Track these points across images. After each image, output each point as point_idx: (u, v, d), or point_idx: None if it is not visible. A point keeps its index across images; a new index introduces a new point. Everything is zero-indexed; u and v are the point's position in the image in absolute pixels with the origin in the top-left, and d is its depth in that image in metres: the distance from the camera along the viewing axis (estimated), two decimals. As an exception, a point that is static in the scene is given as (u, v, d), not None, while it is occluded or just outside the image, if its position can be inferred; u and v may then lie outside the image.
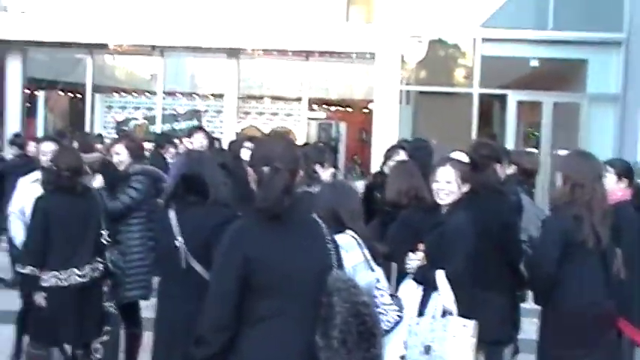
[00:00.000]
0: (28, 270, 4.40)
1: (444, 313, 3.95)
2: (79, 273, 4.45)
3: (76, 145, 7.74)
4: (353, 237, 3.68)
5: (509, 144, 13.79)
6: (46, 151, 5.15)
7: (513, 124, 14.73)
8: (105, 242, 4.66)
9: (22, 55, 15.78)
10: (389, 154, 6.43)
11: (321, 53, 15.35)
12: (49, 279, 4.42)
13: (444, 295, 3.97)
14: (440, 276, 4.02)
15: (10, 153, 8.24)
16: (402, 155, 6.18)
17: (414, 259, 4.23)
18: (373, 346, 2.71)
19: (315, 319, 2.63)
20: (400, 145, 6.83)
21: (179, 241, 3.71)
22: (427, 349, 3.86)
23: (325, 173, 5.21)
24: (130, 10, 15.36)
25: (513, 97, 14.71)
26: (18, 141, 8.42)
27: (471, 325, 3.87)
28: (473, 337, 3.85)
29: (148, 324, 5.05)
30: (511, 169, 5.62)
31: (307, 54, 15.31)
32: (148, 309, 5.18)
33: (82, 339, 4.59)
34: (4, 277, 7.68)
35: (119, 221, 5.00)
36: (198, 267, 3.68)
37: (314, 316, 2.64)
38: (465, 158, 4.37)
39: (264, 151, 2.80)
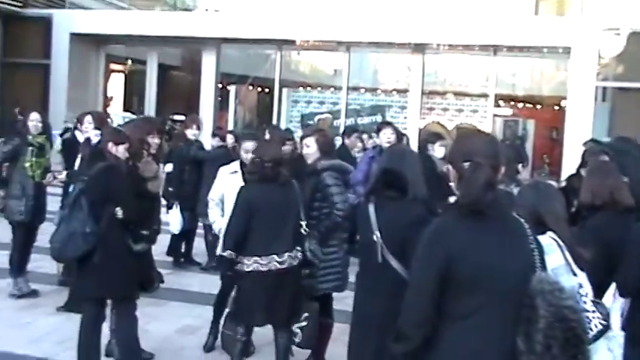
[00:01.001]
0: (227, 253, 4.57)
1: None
2: (279, 260, 4.57)
3: (267, 137, 7.96)
4: (553, 239, 3.44)
5: None
6: (249, 148, 5.33)
7: None
8: (304, 232, 4.74)
9: (216, 52, 16.62)
10: (588, 156, 5.97)
11: (510, 48, 14.84)
12: (251, 264, 4.57)
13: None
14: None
15: (210, 144, 8.71)
16: (603, 156, 5.72)
17: None
18: (581, 353, 2.52)
19: (517, 320, 2.52)
20: (602, 149, 6.32)
21: (376, 236, 3.68)
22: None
23: (524, 172, 4.96)
24: (317, 6, 15.72)
25: None
26: (219, 133, 8.88)
27: (615, 336, 3.57)
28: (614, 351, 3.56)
29: (338, 315, 5.16)
30: None
31: (495, 48, 14.85)
32: (339, 301, 5.25)
33: (275, 321, 4.72)
34: (199, 262, 8.06)
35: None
36: (394, 262, 3.63)
37: (515, 317, 2.52)
38: None
39: (465, 147, 2.71)
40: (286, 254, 4.62)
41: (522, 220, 2.74)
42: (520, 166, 4.86)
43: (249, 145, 5.37)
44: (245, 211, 4.60)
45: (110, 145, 4.66)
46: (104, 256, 4.40)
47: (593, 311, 3.53)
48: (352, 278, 4.20)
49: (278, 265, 4.59)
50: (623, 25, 14.14)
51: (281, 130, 9.25)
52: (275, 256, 4.59)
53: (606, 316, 3.51)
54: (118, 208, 4.47)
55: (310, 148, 5.31)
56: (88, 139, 6.36)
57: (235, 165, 5.50)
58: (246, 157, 5.32)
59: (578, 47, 13.59)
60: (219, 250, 5.03)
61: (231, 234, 4.68)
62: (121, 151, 4.70)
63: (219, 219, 5.44)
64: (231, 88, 17.76)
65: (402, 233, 3.56)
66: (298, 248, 4.70)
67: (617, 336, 3.58)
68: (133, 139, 4.89)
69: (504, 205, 2.77)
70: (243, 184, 5.12)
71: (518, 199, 3.79)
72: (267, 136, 7.05)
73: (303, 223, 4.77)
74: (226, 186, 5.39)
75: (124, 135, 4.83)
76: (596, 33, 13.76)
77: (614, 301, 3.74)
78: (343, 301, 5.29)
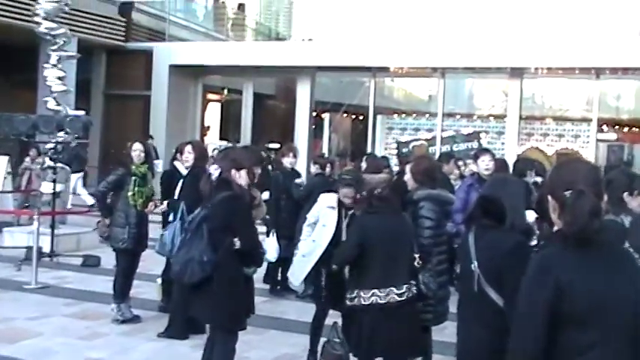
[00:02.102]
0: (334, 267, 4.69)
1: None
2: (397, 292, 4.52)
3: (364, 165, 7.92)
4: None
5: None
6: (348, 195, 5.37)
7: None
8: (417, 265, 4.70)
9: (310, 80, 16.82)
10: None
11: (613, 70, 14.33)
12: (369, 297, 4.53)
13: None
14: None
15: (310, 170, 8.88)
16: None
17: None
18: None
19: (635, 355, 2.42)
20: None
21: (474, 265, 3.59)
22: None
23: (635, 201, 4.68)
24: (410, 32, 15.69)
25: None
26: (319, 161, 8.96)
27: None
28: None
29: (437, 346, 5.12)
30: None
31: (597, 71, 14.37)
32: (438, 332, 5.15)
33: (395, 356, 4.65)
34: (296, 289, 8.10)
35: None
36: (491, 292, 3.50)
37: (634, 352, 2.42)
38: None
39: (566, 175, 2.63)
40: (404, 286, 4.58)
41: (631, 251, 2.68)
42: (627, 194, 4.58)
43: (347, 191, 5.34)
44: (361, 238, 4.59)
45: (233, 172, 4.68)
46: (220, 283, 4.46)
47: None
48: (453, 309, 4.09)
49: (397, 298, 4.54)
50: None
51: (377, 158, 9.22)
52: (393, 288, 4.55)
53: None
54: (236, 239, 4.51)
55: (407, 176, 5.28)
56: (209, 175, 6.48)
57: (334, 200, 5.46)
58: (344, 200, 5.32)
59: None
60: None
61: (342, 254, 4.66)
62: (243, 176, 4.73)
63: (305, 239, 5.49)
64: (326, 116, 17.92)
65: (499, 262, 3.47)
66: (413, 282, 4.66)
67: None
68: (249, 166, 4.94)
69: (611, 235, 2.67)
70: (334, 219, 5.16)
71: (633, 229, 3.61)
72: (364, 165, 7.02)
73: (417, 256, 4.73)
74: (322, 215, 5.40)
75: (243, 160, 4.87)
76: None
77: None
78: (442, 332, 5.21)
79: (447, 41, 15.11)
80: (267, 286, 8.11)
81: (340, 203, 5.36)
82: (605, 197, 2.81)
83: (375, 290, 4.52)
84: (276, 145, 15.32)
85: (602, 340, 2.42)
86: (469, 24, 15.13)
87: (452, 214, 5.94)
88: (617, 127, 15.72)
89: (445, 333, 5.14)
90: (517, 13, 14.81)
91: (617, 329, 2.43)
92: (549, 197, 2.65)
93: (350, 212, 5.26)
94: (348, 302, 4.65)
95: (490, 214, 3.68)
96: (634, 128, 15.85)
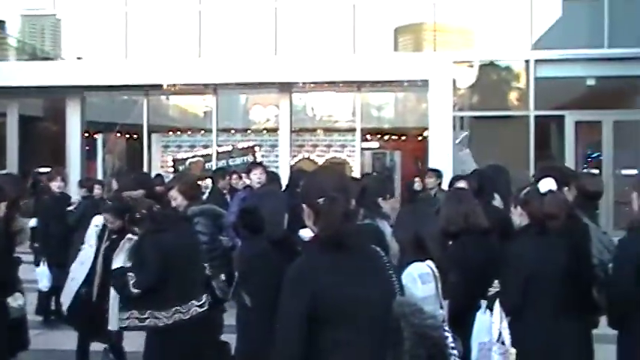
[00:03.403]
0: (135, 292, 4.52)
1: (498, 341, 3.90)
2: (197, 304, 4.51)
3: (114, 185, 7.77)
4: (431, 268, 3.60)
5: (569, 166, 13.51)
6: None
7: (572, 145, 14.46)
8: (208, 273, 4.78)
9: (80, 100, 16.24)
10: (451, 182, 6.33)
11: (372, 83, 15.40)
12: (170, 317, 4.46)
13: (495, 322, 3.93)
14: (496, 303, 3.98)
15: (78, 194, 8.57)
16: (461, 184, 6.06)
17: (495, 287, 4.15)
18: None
19: (385, 347, 2.63)
20: (459, 175, 6.67)
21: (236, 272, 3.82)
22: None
23: (387, 205, 5.14)
24: (182, 50, 15.71)
25: (571, 118, 14.46)
26: (86, 184, 8.78)
27: (511, 353, 3.81)
28: None
29: None
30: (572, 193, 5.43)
31: (358, 85, 15.37)
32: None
33: None
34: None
35: None
36: (243, 294, 3.68)
37: (384, 344, 2.63)
38: (553, 185, 4.22)
39: (317, 184, 2.82)
40: (203, 297, 4.58)
41: (378, 250, 2.87)
42: (381, 199, 5.02)
43: (107, 217, 5.19)
44: (160, 262, 4.46)
45: None
46: None
47: (452, 348, 3.73)
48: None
49: (198, 310, 4.50)
50: (475, 58, 15.06)
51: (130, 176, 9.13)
52: (194, 301, 4.51)
53: (462, 353, 3.73)
54: None
55: (177, 200, 5.32)
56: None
57: (100, 220, 5.37)
58: (110, 226, 5.19)
59: (435, 80, 14.30)
60: None
61: (144, 282, 4.52)
62: (2, 209, 4.50)
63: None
64: (99, 137, 17.34)
65: (244, 268, 3.68)
66: (207, 291, 4.71)
67: (512, 353, 3.80)
68: (9, 197, 4.69)
69: (362, 237, 2.90)
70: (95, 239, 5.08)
71: (397, 224, 3.94)
72: (114, 184, 6.93)
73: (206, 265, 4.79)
74: (90, 235, 5.32)
75: (2, 192, 4.63)
76: (450, 65, 14.54)
77: (502, 321, 3.93)
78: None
79: (219, 58, 15.32)
80: (41, 318, 7.76)
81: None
82: (354, 202, 3.03)
83: (178, 307, 4.45)
84: (47, 170, 14.56)
85: (354, 338, 2.62)
86: (240, 40, 15.45)
87: (225, 227, 6.11)
88: (379, 136, 16.85)
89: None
90: (284, 30, 15.40)
91: (370, 326, 2.63)
92: (304, 205, 2.85)
93: (113, 237, 5.15)
94: (138, 323, 4.50)
95: (247, 225, 3.90)
96: (394, 136, 17.09)
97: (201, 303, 4.55)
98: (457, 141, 6.22)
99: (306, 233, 4.25)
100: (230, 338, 4.05)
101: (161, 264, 4.44)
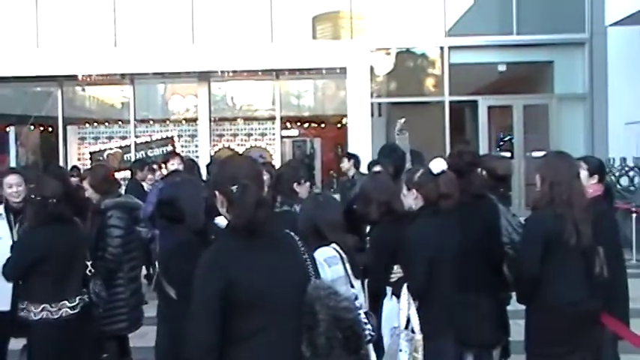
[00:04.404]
0: None
1: (406, 326, 3.92)
2: (70, 305, 4.41)
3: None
4: (336, 250, 3.69)
5: (483, 149, 13.94)
6: (12, 182, 5.06)
7: (485, 129, 14.90)
8: (89, 273, 4.63)
9: (-12, 92, 15.71)
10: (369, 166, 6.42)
11: (291, 71, 15.44)
12: (38, 312, 4.38)
13: (402, 308, 3.92)
14: (403, 289, 3.96)
15: None
16: (377, 168, 6.14)
17: (397, 273, 4.19)
18: (361, 347, 2.75)
19: (300, 331, 2.65)
20: (375, 160, 6.76)
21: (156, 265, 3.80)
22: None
23: (302, 190, 5.20)
24: (97, 39, 15.35)
25: (484, 103, 14.90)
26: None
27: (417, 340, 3.82)
28: (416, 353, 3.80)
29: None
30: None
31: (277, 73, 15.39)
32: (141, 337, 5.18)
33: None
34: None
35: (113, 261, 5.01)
36: (167, 287, 3.66)
37: (299, 328, 2.65)
38: (444, 165, 4.33)
39: (230, 171, 2.81)
40: (77, 298, 4.49)
41: (293, 235, 2.91)
42: (295, 184, 5.08)
43: (10, 178, 5.11)
44: (28, 257, 4.43)
45: None
46: None
47: (365, 323, 3.82)
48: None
49: (69, 311, 4.44)
50: (392, 45, 15.31)
51: (60, 169, 8.95)
52: (66, 302, 4.44)
53: (375, 328, 3.82)
54: None
55: (89, 191, 5.25)
56: None
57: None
58: (10, 192, 5.08)
59: (353, 67, 14.45)
60: None
61: (7, 274, 4.45)
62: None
63: None
64: (11, 129, 16.79)
65: (166, 259, 3.67)
66: (84, 290, 4.59)
67: (418, 339, 3.84)
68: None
69: (275, 224, 2.92)
70: (6, 228, 4.96)
71: (300, 213, 4.01)
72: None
73: (89, 264, 4.68)
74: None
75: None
76: (367, 53, 14.74)
77: (410, 307, 3.91)
78: (144, 338, 5.23)
79: (135, 47, 15.05)
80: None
81: (8, 209, 5.14)
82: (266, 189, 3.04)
83: (46, 305, 4.41)
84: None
85: (268, 324, 2.63)
86: (157, 29, 15.21)
87: (141, 219, 6.05)
88: (298, 123, 16.93)
89: (148, 338, 5.17)
90: (201, 19, 15.25)
91: (284, 311, 2.66)
92: (216, 193, 2.82)
93: (19, 217, 5.02)
94: (19, 312, 4.47)
95: (165, 215, 3.87)
96: (313, 124, 17.20)
97: (73, 305, 4.45)
98: (397, 128, 6.31)
99: (222, 221, 4.28)
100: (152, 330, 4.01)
101: (27, 259, 4.41)
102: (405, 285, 3.96)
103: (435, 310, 3.96)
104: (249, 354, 2.64)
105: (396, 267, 4.13)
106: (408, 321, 3.87)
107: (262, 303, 2.65)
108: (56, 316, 4.40)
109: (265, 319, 2.65)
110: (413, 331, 3.83)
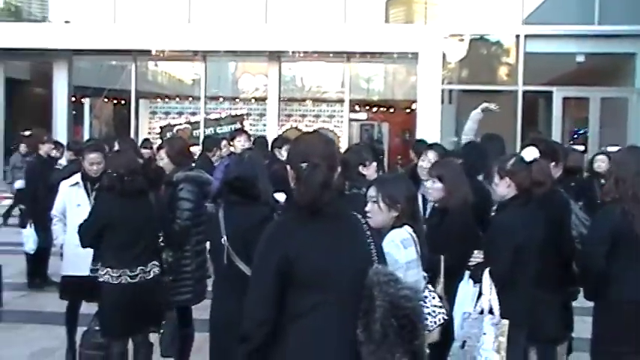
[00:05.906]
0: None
1: (483, 311, 3.91)
2: (130, 273, 4.54)
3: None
4: (410, 233, 3.64)
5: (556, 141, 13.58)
6: (93, 160, 5.23)
7: (559, 121, 14.52)
8: (160, 245, 4.76)
9: (68, 64, 16.11)
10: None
11: (362, 54, 15.36)
12: (103, 275, 4.55)
13: (485, 293, 3.92)
14: (485, 274, 3.97)
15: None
16: (430, 156, 5.95)
17: (476, 257, 4.18)
18: (416, 338, 2.67)
19: (357, 314, 2.60)
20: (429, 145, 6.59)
21: (224, 239, 3.77)
22: (463, 344, 3.90)
23: (370, 171, 5.14)
24: (172, 16, 15.57)
25: (559, 94, 14.50)
26: (74, 147, 8.64)
27: (503, 324, 3.83)
28: (502, 337, 3.80)
29: (201, 325, 5.08)
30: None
31: (348, 55, 15.32)
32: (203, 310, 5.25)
33: (135, 333, 4.70)
34: (56, 281, 7.81)
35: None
36: (240, 264, 3.68)
37: (355, 311, 2.60)
38: (537, 153, 4.26)
39: (302, 148, 2.79)
40: (139, 268, 4.61)
41: (360, 217, 2.88)
42: (361, 167, 5.03)
43: (93, 156, 5.28)
44: (97, 223, 4.56)
45: None
46: None
47: (440, 306, 3.79)
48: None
49: (130, 279, 4.57)
50: (466, 32, 15.03)
51: (132, 141, 9.10)
52: (127, 270, 4.58)
53: (449, 311, 3.76)
54: None
55: (164, 160, 5.33)
56: None
57: (76, 177, 5.40)
58: (90, 168, 5.25)
59: (425, 53, 14.28)
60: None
61: (82, 236, 4.63)
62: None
63: (61, 234, 5.37)
64: (86, 101, 17.24)
65: (244, 235, 3.65)
66: (155, 263, 4.70)
67: (505, 324, 3.84)
68: None
69: (342, 204, 2.89)
70: (84, 196, 5.10)
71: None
72: (117, 147, 6.94)
73: (160, 236, 4.78)
74: (68, 199, 5.32)
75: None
76: (440, 39, 14.52)
77: (491, 291, 3.91)
78: (206, 310, 5.33)
79: (208, 25, 15.21)
80: (25, 280, 7.78)
81: (85, 178, 5.28)
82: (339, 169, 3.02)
83: (109, 269, 4.57)
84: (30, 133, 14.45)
85: (323, 303, 2.59)
86: (230, 7, 15.33)
87: (211, 194, 6.11)
88: (367, 107, 16.85)
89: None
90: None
91: (342, 292, 2.61)
92: (289, 168, 2.84)
93: (96, 186, 5.20)
94: (99, 278, 4.62)
95: (237, 190, 3.88)
96: (382, 108, 17.09)
97: (134, 274, 4.60)
98: (482, 107, 6.26)
99: (280, 197, 4.29)
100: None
101: (95, 225, 4.60)
102: (487, 270, 3.94)
103: (513, 299, 3.93)
104: (302, 330, 2.62)
105: (476, 252, 4.14)
106: (490, 305, 3.87)
107: (319, 281, 2.62)
108: (116, 282, 4.54)
109: (321, 298, 2.61)
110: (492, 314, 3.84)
